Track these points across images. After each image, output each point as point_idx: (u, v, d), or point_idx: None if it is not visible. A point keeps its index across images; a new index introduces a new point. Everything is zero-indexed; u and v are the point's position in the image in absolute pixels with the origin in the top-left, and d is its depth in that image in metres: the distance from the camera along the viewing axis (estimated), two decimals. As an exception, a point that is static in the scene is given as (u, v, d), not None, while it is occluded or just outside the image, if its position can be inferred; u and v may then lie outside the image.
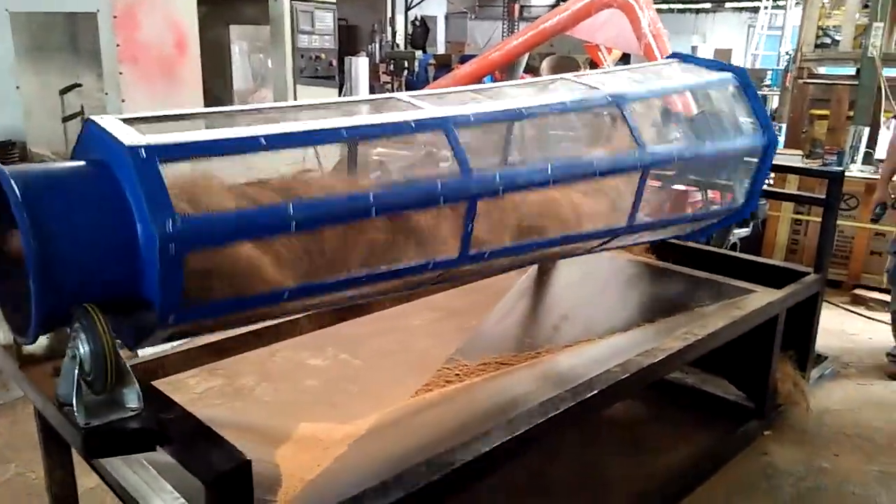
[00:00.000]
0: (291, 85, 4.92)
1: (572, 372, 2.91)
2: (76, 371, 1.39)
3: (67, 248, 1.37)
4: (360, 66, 10.31)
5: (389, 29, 14.65)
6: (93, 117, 1.64)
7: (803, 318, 3.33)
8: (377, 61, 12.59)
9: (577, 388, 2.14)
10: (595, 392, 2.13)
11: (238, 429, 2.38)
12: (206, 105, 4.25)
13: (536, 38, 5.83)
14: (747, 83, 2.90)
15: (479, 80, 6.00)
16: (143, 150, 1.47)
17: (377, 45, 13.61)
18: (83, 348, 1.37)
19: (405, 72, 11.46)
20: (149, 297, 1.48)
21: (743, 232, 4.65)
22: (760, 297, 2.94)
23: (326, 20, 5.10)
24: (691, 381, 3.48)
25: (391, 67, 11.64)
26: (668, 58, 3.19)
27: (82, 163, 1.54)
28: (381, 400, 3.26)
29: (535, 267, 3.66)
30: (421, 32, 16.08)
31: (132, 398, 1.46)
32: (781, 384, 3.20)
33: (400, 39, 14.78)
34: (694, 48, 14.89)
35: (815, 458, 2.99)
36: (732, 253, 3.58)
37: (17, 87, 4.18)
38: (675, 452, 2.98)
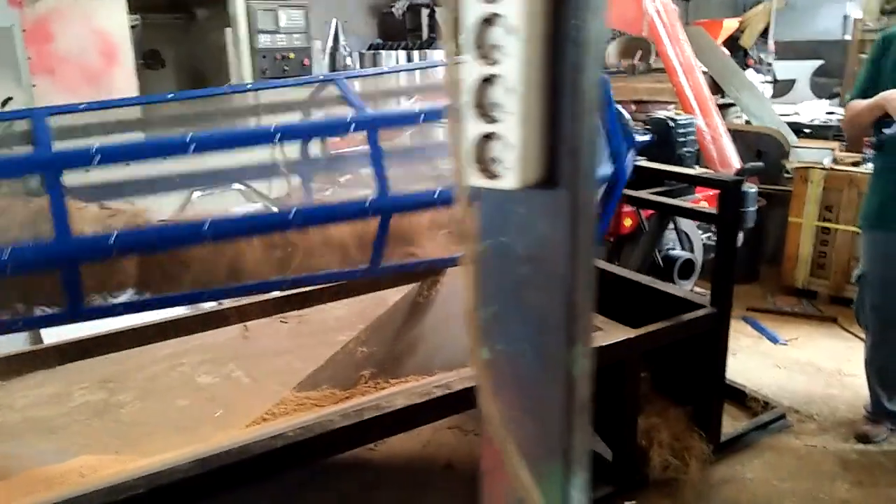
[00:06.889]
0: (250, 87, 4.77)
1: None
2: None
3: None
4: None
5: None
6: None
7: (703, 365, 2.66)
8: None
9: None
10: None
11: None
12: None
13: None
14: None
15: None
16: None
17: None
18: None
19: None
20: None
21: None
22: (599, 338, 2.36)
23: (296, 18, 4.91)
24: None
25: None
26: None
27: None
28: (224, 431, 3.05)
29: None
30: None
31: None
32: (658, 449, 2.56)
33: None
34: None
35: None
36: (632, 276, 2.92)
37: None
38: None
